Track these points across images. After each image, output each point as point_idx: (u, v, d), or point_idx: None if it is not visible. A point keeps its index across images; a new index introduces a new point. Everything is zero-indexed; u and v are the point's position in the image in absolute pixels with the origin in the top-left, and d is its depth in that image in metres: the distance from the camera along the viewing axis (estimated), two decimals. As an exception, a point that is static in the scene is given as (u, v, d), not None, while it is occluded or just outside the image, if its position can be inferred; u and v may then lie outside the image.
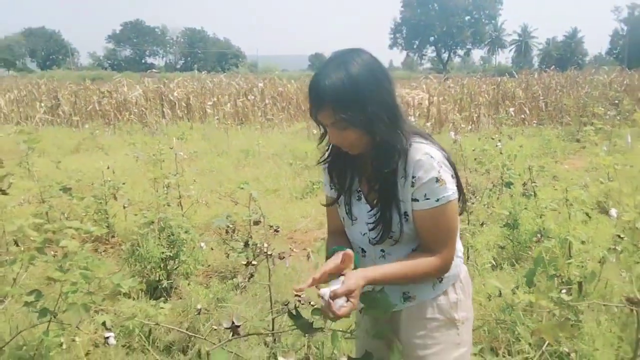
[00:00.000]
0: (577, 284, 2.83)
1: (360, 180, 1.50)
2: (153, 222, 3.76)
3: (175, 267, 3.65)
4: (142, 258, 3.51)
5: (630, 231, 3.34)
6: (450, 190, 1.36)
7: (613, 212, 3.31)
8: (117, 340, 2.43)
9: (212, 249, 4.12)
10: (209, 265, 4.10)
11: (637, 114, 7.25)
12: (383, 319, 1.50)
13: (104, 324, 2.14)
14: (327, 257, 1.42)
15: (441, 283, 1.50)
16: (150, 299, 3.17)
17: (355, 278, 1.25)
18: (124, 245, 4.18)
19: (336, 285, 1.21)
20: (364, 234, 1.49)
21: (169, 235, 3.70)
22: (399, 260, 1.42)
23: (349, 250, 1.37)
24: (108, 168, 5.28)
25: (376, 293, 1.34)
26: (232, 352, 2.37)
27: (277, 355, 2.52)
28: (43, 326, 2.39)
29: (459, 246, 1.57)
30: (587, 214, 3.77)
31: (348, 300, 1.21)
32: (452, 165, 1.43)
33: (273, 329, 2.52)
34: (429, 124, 12.11)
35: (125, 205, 4.77)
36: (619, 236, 3.20)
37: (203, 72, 21.52)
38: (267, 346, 2.59)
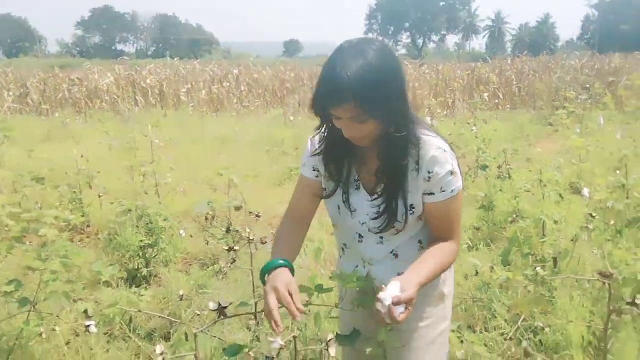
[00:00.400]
0: (551, 260, 2.91)
1: (358, 170, 1.47)
2: (130, 210, 3.73)
3: (154, 255, 3.63)
4: (121, 246, 3.48)
5: (602, 210, 3.46)
6: (460, 180, 1.40)
7: (585, 191, 3.41)
8: (98, 329, 2.41)
9: (191, 236, 4.10)
10: (188, 253, 4.08)
11: (608, 97, 7.44)
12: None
13: (85, 312, 2.11)
14: (273, 257, 1.42)
15: None
16: (129, 287, 3.14)
17: (412, 285, 1.24)
18: (100, 234, 4.14)
19: (394, 291, 1.20)
20: (363, 223, 1.47)
21: (147, 223, 3.67)
22: (406, 250, 1.47)
23: (286, 266, 1.37)
24: (82, 156, 5.18)
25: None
26: (215, 337, 2.38)
27: (260, 338, 2.54)
28: (22, 316, 2.36)
29: None
30: (560, 195, 3.87)
31: (406, 307, 1.21)
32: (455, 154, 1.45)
33: (256, 313, 2.53)
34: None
35: (101, 194, 4.70)
36: (591, 215, 3.30)
37: (175, 59, 21.14)
38: (250, 330, 2.60)
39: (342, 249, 1.60)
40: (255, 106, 14.41)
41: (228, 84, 15.75)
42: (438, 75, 15.24)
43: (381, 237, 1.48)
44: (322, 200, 1.56)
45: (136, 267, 3.48)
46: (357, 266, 1.56)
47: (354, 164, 1.46)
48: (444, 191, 1.38)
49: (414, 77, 14.54)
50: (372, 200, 1.44)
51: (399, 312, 1.18)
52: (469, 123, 7.36)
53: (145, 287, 3.03)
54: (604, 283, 1.84)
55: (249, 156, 7.73)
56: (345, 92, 1.21)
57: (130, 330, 2.69)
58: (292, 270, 1.39)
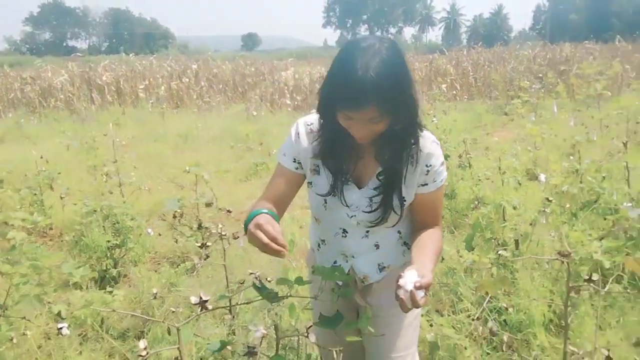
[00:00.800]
0: (514, 242, 3.04)
1: (354, 165, 1.45)
2: (96, 211, 3.67)
3: (122, 255, 3.60)
4: (88, 248, 3.43)
5: (558, 194, 3.63)
6: (446, 170, 1.46)
7: (542, 177, 3.57)
8: (70, 331, 2.39)
9: (159, 235, 4.07)
10: (157, 252, 4.05)
11: (560, 86, 7.71)
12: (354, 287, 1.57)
13: (59, 314, 2.10)
14: (252, 215, 1.31)
15: (409, 249, 1.54)
16: (99, 289, 3.11)
17: (429, 271, 1.24)
18: (65, 237, 4.06)
19: (414, 277, 1.22)
20: (352, 217, 1.46)
21: (114, 224, 3.63)
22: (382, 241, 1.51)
23: (268, 214, 1.30)
24: (41, 157, 5.05)
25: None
26: (194, 334, 2.39)
27: (236, 332, 2.57)
28: (-10, 322, 2.31)
29: None
30: (518, 181, 4.04)
31: (425, 292, 1.20)
32: None
33: (231, 307, 2.56)
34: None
35: (63, 195, 4.60)
36: (547, 199, 3.46)
37: (131, 55, 20.59)
38: (225, 325, 2.63)
39: (319, 245, 1.61)
40: (217, 102, 14.26)
41: (187, 79, 15.51)
42: (397, 67, 15.40)
43: (367, 231, 1.50)
44: (298, 194, 1.56)
45: (105, 268, 3.44)
46: (335, 262, 1.56)
47: (352, 161, 1.45)
48: (435, 181, 1.43)
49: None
50: (365, 194, 1.44)
51: (421, 296, 1.20)
52: (429, 114, 7.53)
53: (116, 288, 3.00)
54: (562, 262, 1.94)
55: (213, 152, 7.68)
56: (369, 96, 1.17)
57: (103, 331, 2.67)
58: (275, 219, 1.32)
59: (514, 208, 3.43)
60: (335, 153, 1.43)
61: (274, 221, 1.25)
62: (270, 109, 12.88)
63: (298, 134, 1.47)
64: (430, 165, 1.40)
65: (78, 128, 9.21)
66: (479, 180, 4.30)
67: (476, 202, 3.68)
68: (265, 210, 1.32)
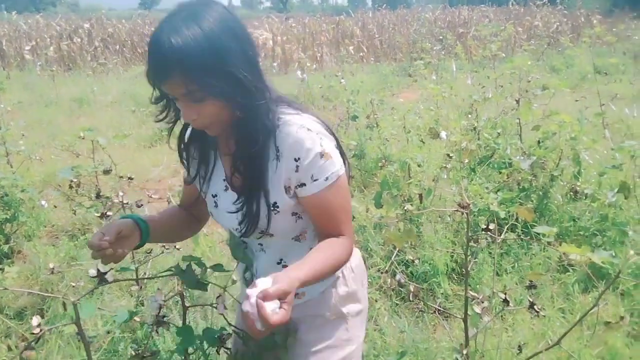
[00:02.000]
0: (418, 197, 3.15)
1: (224, 165, 1.25)
2: (-21, 184, 3.33)
3: (14, 230, 3.31)
4: (-28, 224, 3.12)
5: (458, 151, 3.81)
6: (338, 163, 1.15)
7: (443, 134, 3.73)
8: (-44, 315, 2.18)
9: (55, 207, 3.79)
10: (54, 225, 3.78)
11: (459, 48, 8.01)
12: None
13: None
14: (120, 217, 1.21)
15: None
16: (-12, 267, 2.85)
17: (289, 279, 0.99)
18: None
19: (264, 285, 0.98)
20: (236, 228, 1.25)
21: (3, 196, 3.32)
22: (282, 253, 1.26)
23: (129, 221, 1.18)
24: None
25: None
26: (98, 308, 2.27)
27: (144, 303, 2.48)
28: None
29: None
30: (421, 140, 4.20)
31: (281, 305, 0.95)
32: (333, 134, 1.21)
33: (137, 278, 2.46)
34: (275, 64, 12.13)
35: (-61, 169, 4.12)
36: (448, 155, 3.64)
37: (13, 13, 18.67)
38: (132, 296, 2.52)
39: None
40: (114, 63, 13.35)
41: (79, 39, 14.36)
42: (305, 29, 15.29)
43: (260, 244, 1.28)
44: None
45: (-6, 245, 3.16)
46: (246, 271, 1.36)
47: (219, 157, 1.25)
48: (316, 180, 1.14)
49: (281, 31, 14.44)
50: (229, 197, 1.23)
51: (271, 309, 0.93)
52: (337, 76, 7.58)
53: (9, 264, 2.77)
54: (462, 214, 2.04)
55: (113, 118, 7.23)
56: (170, 63, 1.00)
57: (-4, 312, 2.47)
58: (142, 229, 1.20)
59: (419, 165, 3.57)
60: (193, 147, 1.26)
61: (124, 226, 1.14)
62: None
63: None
64: (299, 159, 1.12)
65: (-46, 93, 8.25)
66: (386, 140, 4.42)
67: (383, 161, 3.78)
68: (131, 218, 1.19)
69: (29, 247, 3.20)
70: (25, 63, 12.95)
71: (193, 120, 1.09)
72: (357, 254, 1.39)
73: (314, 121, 1.18)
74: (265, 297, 0.94)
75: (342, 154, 1.21)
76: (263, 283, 0.98)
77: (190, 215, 1.39)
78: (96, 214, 2.61)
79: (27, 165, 4.38)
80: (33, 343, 1.36)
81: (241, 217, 1.19)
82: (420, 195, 3.13)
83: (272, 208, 1.17)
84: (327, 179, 1.14)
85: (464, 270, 2.10)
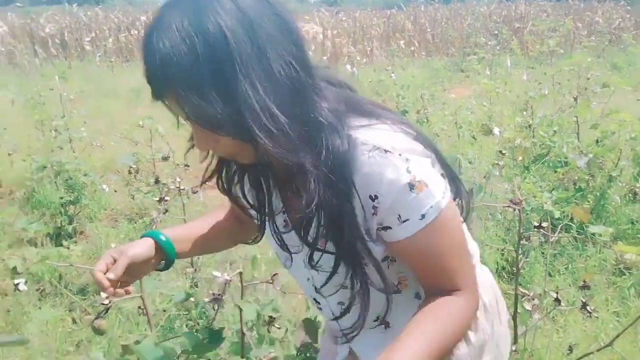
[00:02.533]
0: (469, 190, 3.11)
1: (283, 200, 0.91)
2: (46, 167, 3.54)
3: (77, 212, 3.50)
4: (40, 204, 3.32)
5: (511, 148, 3.75)
6: (438, 190, 0.79)
7: (496, 130, 3.67)
8: (28, 287, 2.34)
9: (115, 191, 3.97)
10: (113, 209, 3.96)
11: (514, 43, 7.82)
12: None
13: (14, 269, 2.05)
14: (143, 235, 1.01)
15: None
16: (54, 246, 3.03)
17: None
18: (16, 194, 3.91)
19: None
20: (309, 279, 0.96)
21: (67, 180, 3.52)
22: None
23: (150, 240, 0.98)
24: (-17, 112, 4.78)
25: None
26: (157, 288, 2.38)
27: (198, 285, 2.58)
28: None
29: (470, 248, 0.96)
30: (473, 136, 4.15)
31: None
32: (428, 144, 0.85)
33: (192, 261, 2.56)
34: (324, 58, 12.19)
35: (10, 152, 4.40)
36: (501, 152, 3.58)
37: (74, 5, 19.48)
38: (187, 277, 2.63)
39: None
40: (170, 56, 13.74)
41: (137, 32, 14.85)
42: (355, 22, 15.26)
43: (341, 303, 0.94)
44: None
45: (59, 225, 3.35)
46: (337, 342, 1.05)
47: (274, 189, 0.91)
48: (406, 220, 0.79)
49: (331, 25, 14.48)
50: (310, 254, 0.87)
51: None
52: (387, 70, 7.55)
53: (73, 243, 2.93)
54: (514, 210, 2.02)
55: (168, 109, 7.45)
56: (156, 78, 0.72)
57: (61, 286, 2.62)
58: (164, 245, 0.99)
59: (469, 162, 3.53)
60: (237, 176, 0.95)
61: (131, 248, 0.94)
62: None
63: None
64: (377, 197, 0.78)
65: (22, 82, 8.72)
66: (436, 134, 4.38)
67: (434, 156, 3.76)
68: (152, 235, 0.99)
69: (91, 228, 3.38)
70: (85, 54, 13.53)
71: (204, 150, 0.83)
72: (487, 284, 1.01)
73: (394, 132, 0.81)
74: None
75: (448, 173, 0.87)
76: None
77: (234, 223, 1.11)
78: (155, 199, 2.73)
79: (88, 151, 4.61)
80: (103, 313, 1.47)
81: (330, 277, 0.87)
82: (471, 190, 3.08)
83: (384, 260, 0.87)
84: (423, 216, 0.78)
85: (514, 268, 2.08)
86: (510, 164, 3.65)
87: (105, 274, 0.89)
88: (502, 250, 2.87)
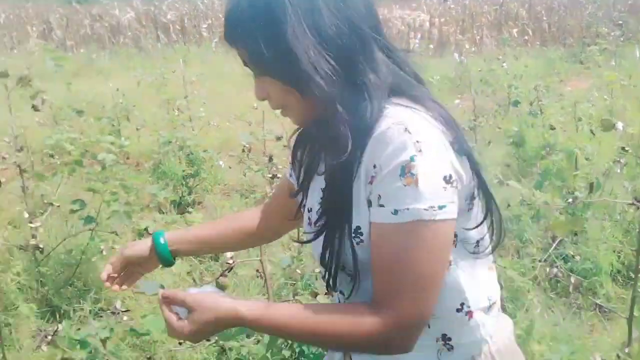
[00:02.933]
0: (587, 187, 2.97)
1: (308, 157, 0.98)
2: (171, 142, 3.88)
3: (196, 184, 3.80)
4: (165, 175, 3.65)
5: (635, 145, 3.49)
6: (425, 199, 0.73)
7: (619, 125, 3.42)
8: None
9: (230, 168, 4.25)
10: (226, 184, 4.25)
11: (644, 33, 7.14)
12: None
13: (146, 229, 2.29)
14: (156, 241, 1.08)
15: (450, 349, 0.86)
16: (177, 214, 3.33)
17: (222, 302, 0.81)
18: (142, 165, 4.31)
19: (193, 290, 0.88)
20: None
21: (188, 154, 3.83)
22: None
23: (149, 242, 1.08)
24: (117, 90, 5.29)
25: None
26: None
27: (303, 259, 2.72)
28: (83, 234, 2.55)
29: (485, 292, 0.89)
30: (591, 130, 3.90)
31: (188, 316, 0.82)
32: (462, 147, 0.80)
33: (299, 234, 2.69)
34: (431, 46, 11.96)
35: (139, 127, 4.84)
36: (623, 148, 3.35)
37: (193, -7, 20.67)
38: (294, 250, 2.78)
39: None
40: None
41: (250, 20, 15.48)
42: (465, 10, 14.76)
43: (342, 293, 0.90)
44: None
45: (180, 195, 3.66)
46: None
47: (318, 161, 0.93)
48: (381, 206, 0.75)
49: (439, 13, 14.13)
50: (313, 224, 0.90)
51: (181, 313, 0.82)
52: (499, 59, 7.25)
53: (196, 211, 3.20)
54: (638, 208, 1.91)
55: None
56: (231, 24, 0.82)
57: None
58: (158, 247, 1.06)
59: (587, 159, 3.34)
60: (302, 136, 0.98)
61: (120, 260, 1.08)
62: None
63: None
64: (376, 167, 0.76)
65: (146, 65, 9.49)
66: (552, 127, 4.17)
67: (547, 149, 3.60)
68: (159, 237, 1.07)
69: (209, 199, 3.66)
70: (203, 40, 14.35)
71: (260, 96, 0.87)
72: (501, 331, 0.92)
73: (431, 124, 0.77)
74: (166, 299, 0.83)
75: (484, 188, 0.83)
76: (204, 289, 0.88)
77: (253, 227, 1.13)
78: (268, 176, 2.91)
79: (206, 130, 4.96)
80: (227, 271, 1.62)
81: (322, 251, 0.85)
82: (591, 184, 2.93)
83: (354, 235, 0.81)
84: (396, 212, 0.73)
85: (631, 273, 1.97)
86: (633, 162, 3.40)
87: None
88: (619, 252, 2.72)
